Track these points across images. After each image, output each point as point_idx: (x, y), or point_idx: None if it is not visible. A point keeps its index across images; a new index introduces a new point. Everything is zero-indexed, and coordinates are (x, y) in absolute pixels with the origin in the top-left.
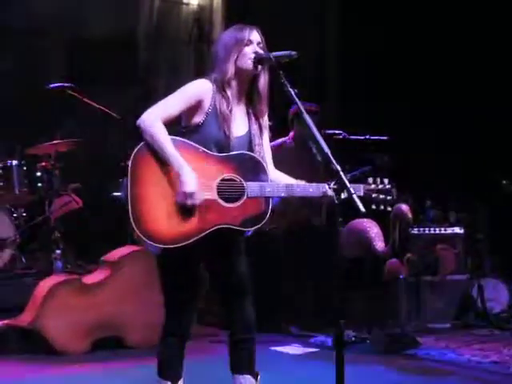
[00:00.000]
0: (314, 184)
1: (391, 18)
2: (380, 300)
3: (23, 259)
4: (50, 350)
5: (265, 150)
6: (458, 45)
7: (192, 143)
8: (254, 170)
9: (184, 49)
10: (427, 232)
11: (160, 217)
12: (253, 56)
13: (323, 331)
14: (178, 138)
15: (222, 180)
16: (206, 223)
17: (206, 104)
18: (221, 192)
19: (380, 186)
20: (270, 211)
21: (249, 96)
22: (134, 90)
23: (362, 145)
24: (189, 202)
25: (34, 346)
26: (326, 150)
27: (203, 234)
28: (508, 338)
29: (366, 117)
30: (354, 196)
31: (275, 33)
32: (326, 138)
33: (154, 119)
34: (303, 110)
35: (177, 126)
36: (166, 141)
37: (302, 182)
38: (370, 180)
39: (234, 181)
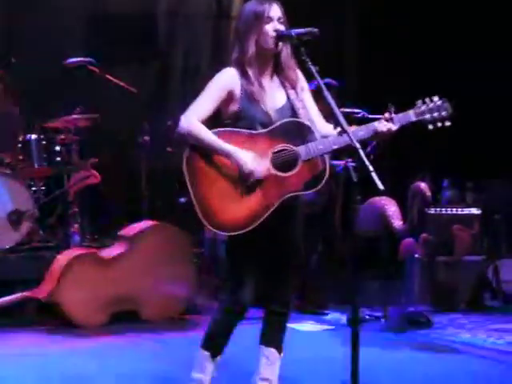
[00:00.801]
0: (363, 126)
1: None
2: (395, 279)
3: (41, 232)
4: (67, 323)
5: (311, 110)
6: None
7: (234, 129)
8: (300, 133)
9: (203, 24)
10: (444, 212)
11: (227, 207)
12: (274, 34)
13: (335, 307)
14: (219, 129)
15: (274, 153)
16: (271, 198)
17: (237, 91)
18: (276, 164)
19: (431, 105)
20: (328, 168)
21: (275, 68)
22: (152, 65)
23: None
24: (251, 178)
25: (51, 318)
26: (346, 127)
27: (272, 209)
28: None
29: (386, 92)
30: (373, 173)
31: (293, 8)
32: (345, 116)
33: (190, 121)
34: (324, 88)
35: (218, 121)
36: (209, 135)
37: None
38: (419, 102)
39: (286, 150)
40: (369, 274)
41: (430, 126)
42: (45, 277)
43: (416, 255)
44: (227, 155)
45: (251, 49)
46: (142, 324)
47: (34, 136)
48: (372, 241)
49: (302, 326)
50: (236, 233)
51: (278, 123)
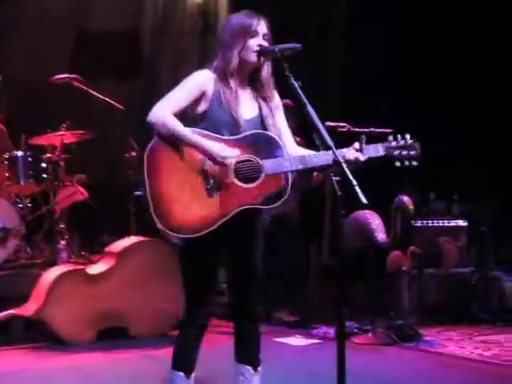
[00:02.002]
0: (329, 152)
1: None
2: (383, 292)
3: (28, 250)
4: (55, 340)
5: (282, 129)
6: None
7: (204, 131)
8: (268, 147)
9: (189, 41)
10: (431, 224)
11: (182, 207)
12: (257, 49)
13: (324, 321)
14: (188, 128)
15: (239, 162)
16: (227, 207)
17: (209, 93)
18: (239, 174)
19: (402, 143)
20: (290, 186)
21: (253, 83)
22: (138, 83)
23: (367, 137)
24: (227, 162)
25: (39, 335)
26: (330, 142)
27: (226, 218)
28: (510, 330)
29: (370, 108)
30: (356, 187)
31: (279, 24)
32: (330, 130)
33: (163, 111)
34: (307, 103)
35: (182, 117)
36: (178, 126)
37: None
38: (391, 138)
39: (251, 161)
40: (357, 287)
41: (398, 163)
42: (32, 294)
43: (404, 268)
44: (200, 146)
45: (234, 60)
46: (131, 340)
47: (20, 153)
48: (358, 254)
49: (290, 341)
50: (186, 236)
51: (249, 133)
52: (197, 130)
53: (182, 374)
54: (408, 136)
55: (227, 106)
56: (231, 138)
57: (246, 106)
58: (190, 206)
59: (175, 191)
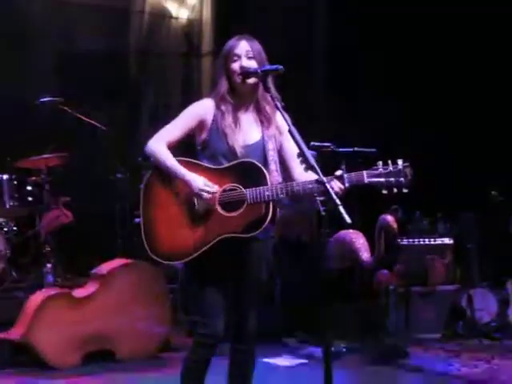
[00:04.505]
0: (313, 180)
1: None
2: (370, 311)
3: (14, 273)
4: (41, 364)
5: (288, 154)
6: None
7: (194, 161)
8: (254, 176)
9: (174, 62)
10: (416, 243)
11: (168, 235)
12: (239, 71)
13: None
14: (180, 158)
15: (224, 191)
16: (208, 235)
17: (209, 121)
18: (223, 203)
19: (390, 169)
20: (271, 214)
21: (256, 105)
22: (122, 104)
23: (351, 157)
24: (204, 196)
25: (24, 359)
26: (313, 163)
27: (207, 246)
28: (497, 348)
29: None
30: (340, 207)
31: (266, 43)
32: (314, 150)
33: (157, 142)
34: (290, 124)
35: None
36: (169, 159)
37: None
38: (380, 163)
39: (235, 190)
40: (344, 307)
41: (384, 191)
42: (18, 318)
43: (391, 286)
44: (182, 177)
45: (223, 86)
46: (118, 363)
47: (5, 176)
48: (344, 273)
49: (278, 361)
50: (168, 262)
51: (236, 162)
52: (189, 160)
53: None
54: (400, 161)
55: (223, 134)
56: (220, 167)
57: (249, 131)
58: (177, 235)
59: (164, 221)
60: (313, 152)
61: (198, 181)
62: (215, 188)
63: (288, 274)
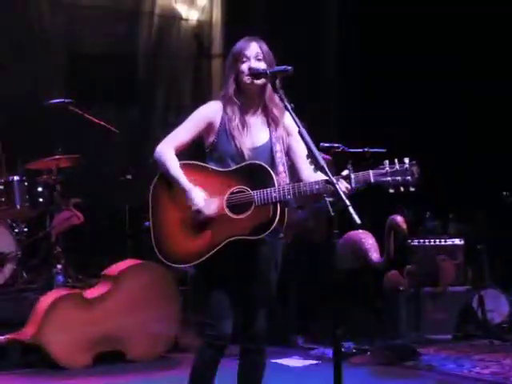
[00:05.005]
0: (320, 180)
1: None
2: (380, 311)
3: (24, 274)
4: (52, 365)
5: (297, 155)
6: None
7: (201, 164)
8: (261, 178)
9: (184, 64)
10: (427, 243)
11: (178, 239)
12: (248, 72)
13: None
14: (188, 161)
15: (232, 193)
16: (216, 238)
17: (217, 124)
18: (231, 205)
19: (397, 167)
20: (279, 216)
21: (263, 106)
22: (132, 106)
23: (361, 157)
24: (199, 217)
25: (35, 360)
26: (322, 163)
27: (215, 249)
28: (508, 348)
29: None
30: (350, 208)
31: (276, 44)
32: (324, 150)
33: (164, 149)
34: (300, 125)
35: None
36: (173, 166)
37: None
38: (386, 162)
39: (243, 192)
40: (354, 307)
41: (391, 190)
42: (29, 319)
43: (401, 287)
44: (182, 190)
45: (231, 87)
46: (128, 364)
47: (16, 177)
48: (353, 274)
49: (288, 361)
50: (178, 265)
51: (244, 164)
52: (197, 163)
53: None
54: (407, 160)
55: (231, 136)
56: (227, 169)
57: (256, 133)
58: (184, 239)
59: (173, 225)
60: (326, 156)
61: (197, 198)
62: (218, 203)
63: (301, 275)
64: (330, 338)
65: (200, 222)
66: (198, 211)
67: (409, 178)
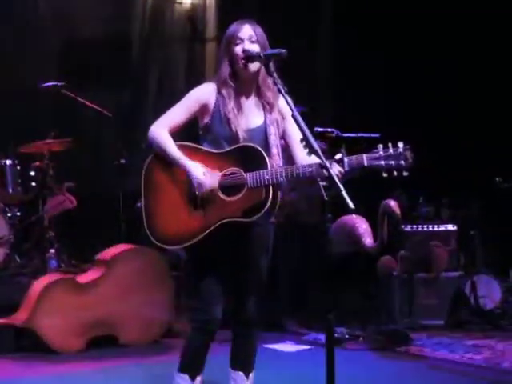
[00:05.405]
0: (313, 163)
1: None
2: (373, 297)
3: (17, 258)
4: (45, 349)
5: (291, 138)
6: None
7: (195, 145)
8: (254, 160)
9: (177, 48)
10: (420, 229)
11: (170, 221)
12: (242, 55)
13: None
14: (181, 142)
15: (224, 175)
16: (208, 220)
17: (211, 106)
18: (223, 187)
19: (390, 151)
20: (271, 199)
21: (257, 89)
22: (126, 90)
23: (355, 142)
24: (201, 190)
25: (28, 344)
26: (316, 147)
27: (207, 231)
28: (500, 334)
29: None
30: (343, 192)
31: (269, 28)
32: (318, 135)
33: (158, 128)
34: (294, 109)
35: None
36: (168, 144)
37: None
38: (380, 146)
39: (235, 174)
40: (347, 293)
41: (385, 174)
42: (21, 303)
43: (394, 272)
44: (181, 166)
45: (225, 70)
46: (121, 349)
47: (8, 161)
48: (346, 259)
49: (281, 347)
50: (170, 247)
51: (237, 146)
52: (189, 144)
53: (186, 376)
54: (401, 144)
55: (225, 118)
56: (221, 151)
57: (251, 115)
58: (177, 221)
59: (166, 207)
60: (321, 144)
61: (198, 171)
62: (212, 182)
63: (294, 259)
64: (323, 323)
65: (194, 204)
66: (200, 184)
67: (402, 162)
